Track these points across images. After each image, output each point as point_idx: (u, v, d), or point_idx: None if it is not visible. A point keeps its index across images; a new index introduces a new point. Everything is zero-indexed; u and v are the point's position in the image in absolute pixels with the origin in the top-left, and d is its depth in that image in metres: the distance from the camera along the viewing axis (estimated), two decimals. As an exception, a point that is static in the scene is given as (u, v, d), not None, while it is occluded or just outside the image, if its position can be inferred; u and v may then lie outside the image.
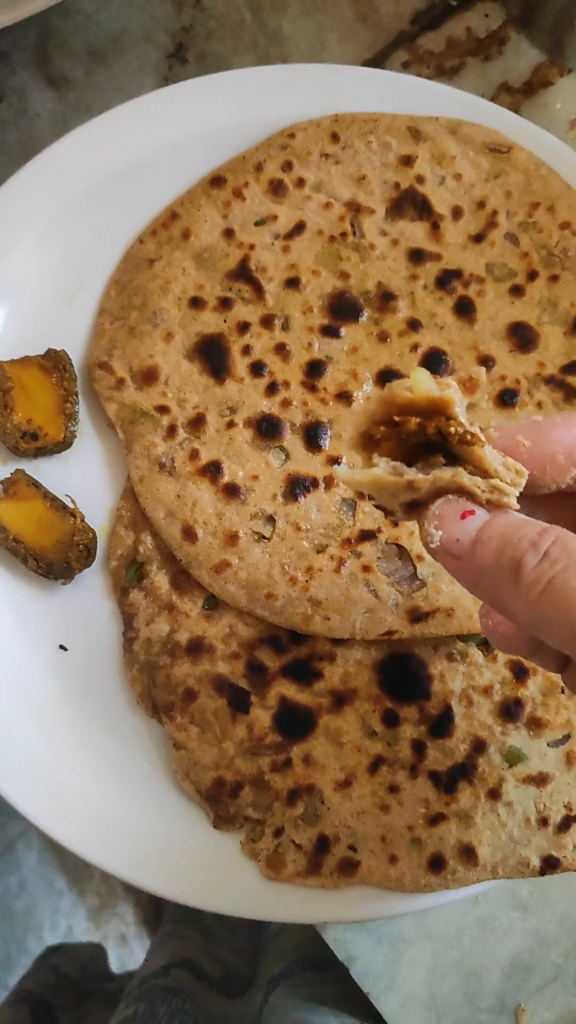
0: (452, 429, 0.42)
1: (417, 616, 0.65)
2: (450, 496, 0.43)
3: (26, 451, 0.68)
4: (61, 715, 0.67)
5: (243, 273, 0.70)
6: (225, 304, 0.70)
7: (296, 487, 0.67)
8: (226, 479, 0.67)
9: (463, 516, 0.42)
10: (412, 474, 0.42)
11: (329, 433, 0.68)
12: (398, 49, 0.81)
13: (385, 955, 0.74)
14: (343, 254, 0.71)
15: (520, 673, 0.65)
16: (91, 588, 0.69)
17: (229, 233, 0.71)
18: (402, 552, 0.66)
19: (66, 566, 0.66)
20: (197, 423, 0.68)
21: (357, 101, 0.72)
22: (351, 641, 0.66)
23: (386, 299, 0.70)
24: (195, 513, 0.67)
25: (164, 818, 0.66)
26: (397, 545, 0.66)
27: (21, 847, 1.81)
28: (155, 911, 1.74)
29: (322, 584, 0.66)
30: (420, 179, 0.71)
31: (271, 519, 0.67)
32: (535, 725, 0.65)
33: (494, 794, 0.64)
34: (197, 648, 0.66)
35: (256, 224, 0.71)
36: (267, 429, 0.68)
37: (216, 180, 0.71)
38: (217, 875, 0.64)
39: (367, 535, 0.66)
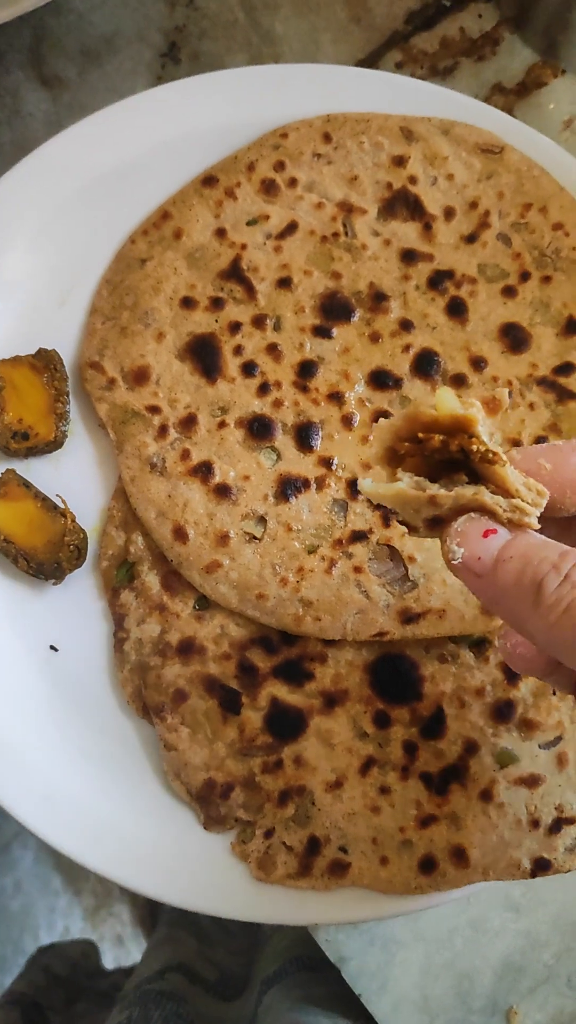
0: (474, 447, 0.42)
1: (408, 617, 0.65)
2: (472, 514, 0.43)
3: (17, 451, 0.68)
4: (51, 716, 0.67)
5: (235, 273, 0.70)
6: (217, 304, 0.70)
7: (287, 488, 0.67)
8: (217, 479, 0.67)
9: (485, 535, 0.43)
10: (435, 490, 0.43)
11: (321, 434, 0.68)
12: (391, 49, 0.81)
13: (377, 956, 0.74)
14: (335, 254, 0.70)
15: (512, 675, 0.65)
16: (82, 588, 0.69)
17: (221, 233, 0.71)
18: (393, 553, 0.66)
19: (57, 566, 0.66)
20: (188, 423, 0.68)
21: (350, 101, 0.72)
22: (342, 642, 0.66)
23: (378, 299, 0.70)
24: (186, 513, 0.67)
25: (154, 819, 0.65)
26: (388, 546, 0.66)
27: (17, 847, 1.80)
28: (151, 912, 1.74)
29: (313, 585, 0.65)
30: (412, 179, 0.71)
31: (262, 519, 0.67)
32: (526, 727, 0.65)
33: (485, 796, 0.64)
34: (188, 649, 0.66)
35: (248, 224, 0.71)
36: (258, 429, 0.68)
37: (208, 180, 0.71)
38: (207, 877, 0.64)
39: (358, 536, 0.66)
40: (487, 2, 0.80)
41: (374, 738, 0.65)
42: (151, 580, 0.67)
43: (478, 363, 0.69)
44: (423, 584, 0.66)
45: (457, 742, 0.65)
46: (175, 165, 0.72)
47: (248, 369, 0.69)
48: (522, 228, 0.71)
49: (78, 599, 0.68)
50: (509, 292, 0.70)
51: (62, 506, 0.67)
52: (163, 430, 0.68)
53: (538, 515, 0.43)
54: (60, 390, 0.68)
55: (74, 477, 0.70)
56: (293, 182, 0.71)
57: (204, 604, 0.67)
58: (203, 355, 0.69)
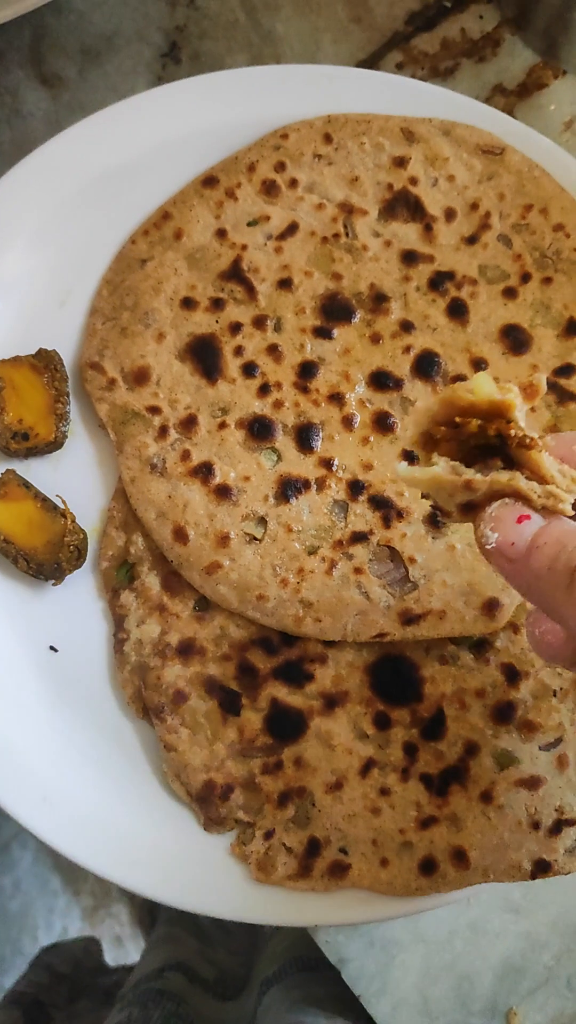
0: (512, 432, 0.43)
1: (409, 618, 0.65)
2: (507, 500, 0.44)
3: (17, 451, 0.68)
4: (51, 716, 0.67)
5: (235, 274, 0.70)
6: (217, 305, 0.70)
7: (288, 488, 0.67)
8: (217, 480, 0.67)
9: (519, 520, 0.43)
10: (470, 474, 0.43)
11: (321, 435, 0.68)
12: (392, 50, 0.80)
13: (377, 958, 0.74)
14: (336, 255, 0.70)
15: (512, 676, 0.65)
16: (82, 589, 0.68)
17: (221, 233, 0.70)
18: (394, 554, 0.66)
19: (57, 567, 0.66)
20: (189, 424, 0.68)
21: (350, 102, 0.72)
22: (342, 643, 0.66)
23: (379, 300, 0.70)
24: (186, 514, 0.66)
25: (154, 820, 0.65)
26: (389, 547, 0.66)
27: (16, 847, 1.80)
28: (149, 912, 1.73)
29: (313, 586, 0.65)
30: (413, 180, 0.71)
31: (263, 520, 0.67)
32: (527, 728, 0.64)
33: (486, 797, 0.64)
34: (188, 649, 0.66)
35: (249, 225, 0.71)
36: (259, 430, 0.68)
37: (209, 180, 0.71)
38: (207, 877, 0.64)
39: (359, 537, 0.66)
40: (488, 3, 0.80)
41: (374, 739, 0.65)
42: (151, 581, 0.67)
43: (479, 364, 0.69)
44: (423, 585, 0.65)
45: (457, 743, 0.65)
46: (175, 165, 0.72)
47: (248, 370, 0.69)
48: (523, 229, 0.71)
49: (78, 600, 0.68)
50: (510, 293, 0.70)
51: (62, 507, 0.67)
52: (163, 431, 0.68)
53: (572, 501, 0.43)
54: (60, 390, 0.68)
55: (74, 478, 0.69)
56: (294, 183, 0.71)
57: (204, 605, 0.67)
58: (203, 356, 0.69)
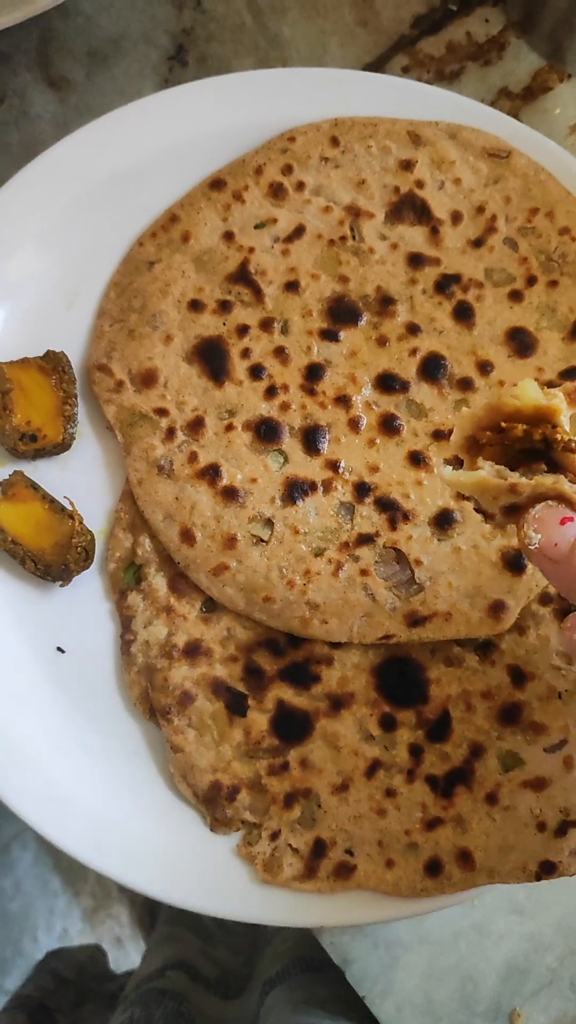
0: (558, 436, 0.44)
1: (415, 620, 0.65)
2: (550, 502, 0.45)
3: (25, 453, 0.68)
4: (58, 717, 0.67)
5: (242, 276, 0.70)
6: (224, 307, 0.70)
7: (294, 490, 0.67)
8: (224, 482, 0.67)
9: (562, 522, 0.44)
10: (515, 478, 0.45)
11: (327, 437, 0.68)
12: (398, 53, 0.81)
13: (381, 959, 0.74)
14: (342, 258, 0.71)
15: (518, 678, 0.65)
16: (89, 590, 0.69)
17: (229, 236, 0.71)
18: (400, 556, 0.66)
19: (64, 568, 0.66)
20: (196, 426, 0.68)
21: (357, 105, 0.72)
22: (349, 645, 0.66)
23: (385, 303, 0.70)
24: (193, 516, 0.67)
25: (161, 821, 0.66)
26: (395, 549, 0.66)
27: (17, 848, 1.80)
28: (150, 913, 1.74)
29: (320, 587, 0.66)
30: (420, 183, 0.71)
31: (269, 522, 0.67)
32: (533, 730, 0.65)
33: (491, 799, 0.64)
34: (195, 651, 0.66)
35: (256, 227, 0.71)
36: (266, 432, 0.68)
37: (216, 183, 0.71)
38: (213, 878, 0.64)
39: (365, 539, 0.66)
40: (494, 6, 0.80)
41: (380, 741, 0.65)
42: (158, 582, 0.68)
43: (485, 367, 0.69)
44: (429, 587, 0.66)
45: (463, 745, 0.65)
46: (183, 168, 0.72)
47: (255, 372, 0.69)
48: (529, 232, 0.71)
49: (85, 601, 0.68)
50: (516, 296, 0.70)
51: (70, 508, 0.67)
52: (171, 432, 0.68)
53: None
54: (68, 392, 0.68)
55: (82, 479, 0.70)
56: (301, 186, 0.71)
57: (211, 606, 0.67)
58: (211, 358, 0.69)
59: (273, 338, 0.69)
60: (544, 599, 0.66)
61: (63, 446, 0.69)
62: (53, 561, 0.66)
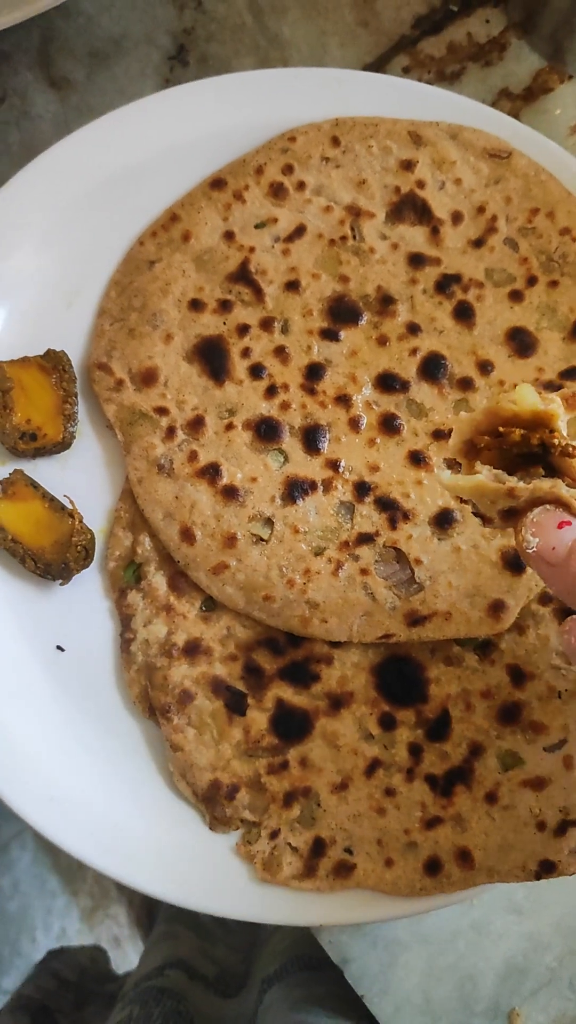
0: (555, 441, 0.45)
1: (415, 619, 0.65)
2: (548, 506, 0.45)
3: (25, 451, 0.68)
4: (58, 716, 0.67)
5: (243, 276, 0.70)
6: (225, 306, 0.70)
7: (294, 490, 0.67)
8: (224, 481, 0.67)
9: (560, 526, 0.45)
10: (513, 482, 0.45)
11: (328, 436, 0.68)
12: (399, 54, 0.81)
13: (380, 958, 0.74)
14: (343, 258, 0.71)
15: (517, 677, 0.66)
16: (89, 589, 0.69)
17: (229, 235, 0.71)
18: (400, 555, 0.66)
19: (64, 567, 0.66)
20: (196, 425, 0.68)
21: (358, 105, 0.72)
22: (348, 644, 0.66)
23: (385, 303, 0.70)
24: (193, 515, 0.67)
25: (160, 820, 0.66)
26: (395, 548, 0.66)
27: (15, 848, 1.80)
28: (148, 913, 1.74)
29: (320, 587, 0.66)
30: (420, 184, 0.71)
31: (269, 521, 0.67)
32: (532, 729, 0.65)
33: (491, 798, 0.64)
34: (194, 650, 0.66)
35: (256, 227, 0.71)
36: (266, 431, 0.68)
37: (216, 183, 0.71)
38: (213, 877, 0.64)
39: (365, 538, 0.66)
40: (494, 7, 0.81)
41: (379, 740, 0.65)
42: (158, 581, 0.68)
43: (485, 367, 0.69)
44: (429, 586, 0.66)
45: (462, 744, 0.65)
46: (183, 168, 0.72)
47: (256, 371, 0.69)
48: (529, 233, 0.71)
49: (85, 600, 0.69)
50: (516, 296, 0.70)
51: (70, 507, 0.67)
52: (171, 431, 0.68)
53: None
54: (68, 391, 0.68)
55: (82, 478, 0.70)
56: (301, 185, 0.71)
57: (211, 605, 0.67)
58: (211, 357, 0.69)
59: (273, 337, 0.70)
60: (544, 599, 0.66)
61: (63, 445, 0.69)
62: (53, 560, 0.66)
